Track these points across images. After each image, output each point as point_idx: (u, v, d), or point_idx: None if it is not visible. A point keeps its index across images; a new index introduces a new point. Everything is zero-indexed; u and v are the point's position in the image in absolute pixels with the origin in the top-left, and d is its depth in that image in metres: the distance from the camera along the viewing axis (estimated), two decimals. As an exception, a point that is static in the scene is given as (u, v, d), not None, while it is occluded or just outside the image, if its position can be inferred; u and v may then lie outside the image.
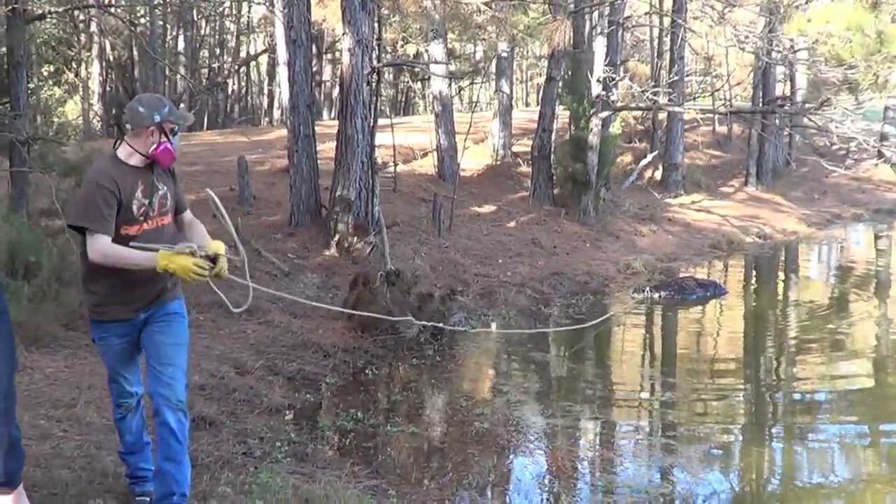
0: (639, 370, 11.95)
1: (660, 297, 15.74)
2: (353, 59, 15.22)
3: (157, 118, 5.34)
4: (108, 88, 37.30)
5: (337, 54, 38.94)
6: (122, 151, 5.43)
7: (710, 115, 35.40)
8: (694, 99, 33.50)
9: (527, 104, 50.32)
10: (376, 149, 16.52)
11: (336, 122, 16.89)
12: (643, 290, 16.12)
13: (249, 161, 18.50)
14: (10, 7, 11.53)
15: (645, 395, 10.88)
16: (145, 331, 5.59)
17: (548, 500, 7.44)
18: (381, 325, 12.08)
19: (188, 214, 5.87)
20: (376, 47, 16.49)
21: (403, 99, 48.32)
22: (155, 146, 5.37)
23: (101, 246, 5.19)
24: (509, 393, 10.31)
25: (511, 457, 8.52)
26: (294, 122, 16.54)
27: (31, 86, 15.79)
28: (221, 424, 8.25)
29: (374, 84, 15.95)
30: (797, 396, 10.89)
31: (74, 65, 36.97)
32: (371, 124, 15.70)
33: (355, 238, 15.22)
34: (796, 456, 8.91)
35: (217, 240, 5.63)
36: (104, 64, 36.57)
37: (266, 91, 45.48)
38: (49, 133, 14.40)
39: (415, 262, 15.45)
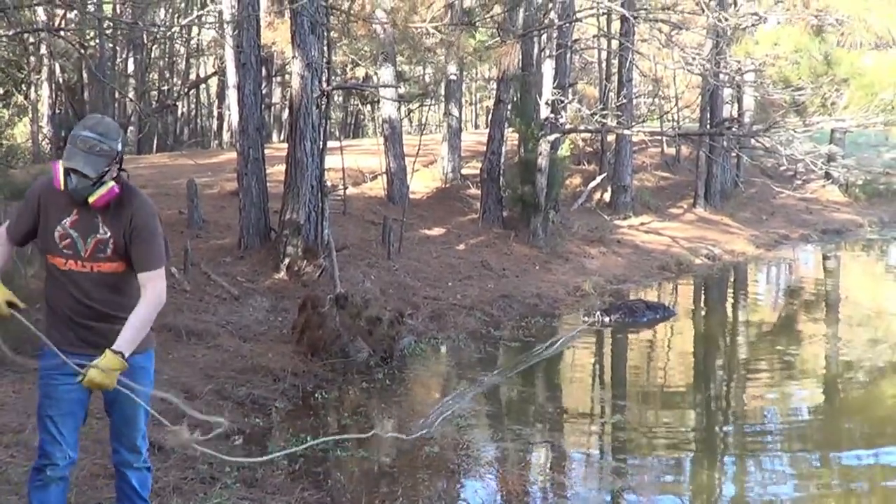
0: (589, 393, 12.01)
1: (610, 320, 15.78)
2: (302, 83, 15.24)
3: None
4: (57, 111, 37.02)
5: (287, 77, 38.70)
6: None
7: (659, 137, 35.61)
8: (643, 121, 33.63)
9: (476, 126, 50.49)
10: (326, 172, 16.51)
11: (286, 145, 16.89)
12: (593, 314, 16.15)
13: (199, 184, 18.44)
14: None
15: (595, 418, 10.94)
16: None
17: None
18: (330, 349, 12.08)
19: (143, 278, 4.99)
20: (326, 70, 16.52)
21: (353, 122, 48.31)
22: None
23: None
24: (459, 416, 10.31)
25: (462, 481, 8.53)
26: (243, 144, 16.50)
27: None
28: (170, 450, 8.19)
29: (323, 107, 15.96)
30: (747, 419, 11.00)
31: (24, 87, 36.73)
32: (320, 147, 15.70)
33: (305, 261, 15.20)
34: (746, 480, 8.97)
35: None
36: (54, 86, 36.32)
37: (216, 114, 45.30)
38: (-3, 156, 14.33)
39: (364, 285, 15.42)
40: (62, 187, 4.73)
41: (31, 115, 35.72)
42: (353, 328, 12.39)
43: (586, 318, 16.00)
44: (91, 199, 4.75)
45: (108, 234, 4.90)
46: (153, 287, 4.96)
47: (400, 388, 11.69)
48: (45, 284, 5.08)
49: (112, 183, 4.78)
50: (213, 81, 44.40)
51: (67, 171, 4.69)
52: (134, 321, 4.86)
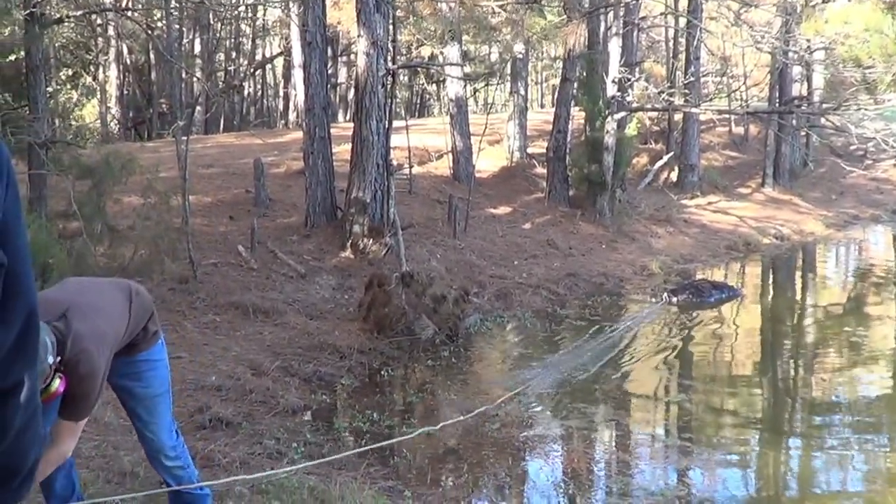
0: (656, 373, 11.88)
1: (677, 300, 15.63)
2: (368, 61, 15.25)
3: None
4: (125, 91, 37.36)
5: (352, 57, 38.92)
6: None
7: (727, 116, 35.25)
8: (710, 100, 33.33)
9: (542, 105, 50.26)
10: (392, 150, 16.52)
11: (351, 125, 16.91)
12: (660, 294, 16.01)
13: (265, 163, 18.52)
14: (27, 11, 11.56)
15: (661, 397, 10.86)
16: (119, 379, 5.00)
17: (563, 502, 7.44)
18: (396, 326, 12.11)
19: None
20: (391, 49, 16.51)
21: (419, 101, 48.30)
22: None
23: None
24: (525, 394, 10.29)
25: (526, 459, 8.52)
26: (310, 124, 16.55)
27: (50, 89, 15.85)
28: (238, 425, 8.28)
29: (389, 86, 15.96)
30: (815, 401, 10.84)
31: (92, 68, 37.11)
32: (386, 126, 15.71)
33: (370, 240, 15.23)
34: (814, 460, 8.88)
35: None
36: (121, 67, 36.65)
37: (282, 94, 45.49)
38: (67, 136, 14.46)
39: (430, 263, 15.43)
40: None
41: (99, 96, 36.06)
42: (418, 306, 12.41)
43: (653, 299, 15.87)
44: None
45: None
46: (64, 441, 4.58)
47: (465, 365, 11.70)
48: None
49: (57, 384, 4.28)
50: (279, 62, 44.60)
51: None
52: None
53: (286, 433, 8.35)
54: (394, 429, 8.90)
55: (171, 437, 5.17)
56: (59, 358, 4.27)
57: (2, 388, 1.93)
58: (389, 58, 16.15)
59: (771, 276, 21.01)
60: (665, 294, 15.94)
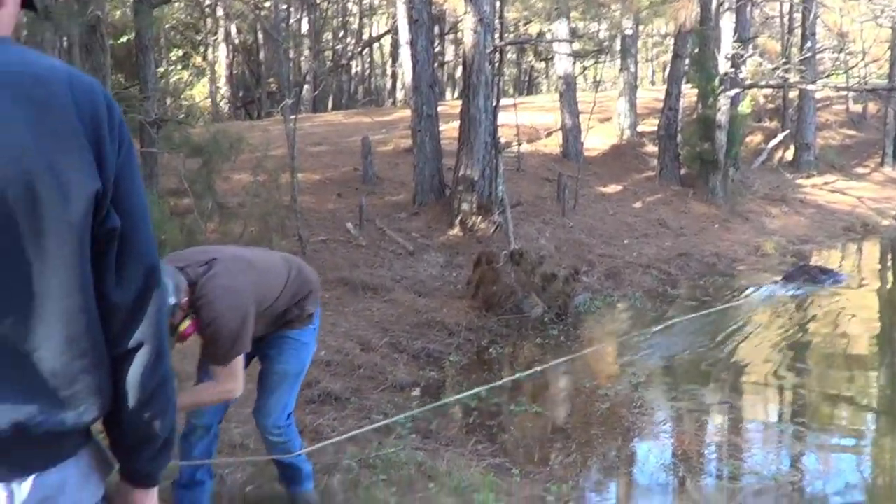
0: (768, 355, 11.61)
1: (789, 284, 15.30)
2: (475, 38, 15.19)
3: None
4: (234, 71, 37.80)
5: (459, 34, 38.91)
6: None
7: (844, 94, 34.55)
8: (827, 76, 32.68)
9: (652, 83, 49.77)
10: (500, 128, 16.45)
11: (459, 102, 16.89)
12: (773, 278, 15.70)
13: (373, 141, 18.60)
14: (138, -8, 11.74)
15: (775, 381, 10.61)
16: (263, 348, 5.18)
17: (672, 484, 7.32)
18: (504, 304, 12.07)
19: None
20: (498, 26, 16.44)
21: (527, 79, 48.15)
22: None
23: None
24: (634, 374, 10.18)
25: (635, 439, 8.41)
26: (417, 102, 16.56)
27: (161, 69, 16.09)
28: (346, 400, 8.30)
29: (496, 63, 15.90)
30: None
31: (202, 49, 37.60)
32: (494, 103, 15.65)
33: (479, 217, 15.21)
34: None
35: None
36: (230, 47, 37.07)
37: (389, 72, 45.65)
38: (178, 115, 14.66)
39: (539, 241, 15.37)
40: None
41: (209, 76, 36.54)
42: (527, 284, 12.36)
43: (766, 282, 15.54)
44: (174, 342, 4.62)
45: None
46: (222, 383, 4.75)
47: (574, 344, 11.60)
48: None
49: (186, 323, 4.52)
50: (387, 40, 44.70)
51: None
52: (194, 394, 4.88)
53: (394, 408, 8.35)
54: (501, 406, 8.86)
55: (282, 417, 5.24)
56: (185, 299, 4.43)
57: (124, 349, 1.92)
58: (496, 35, 16.09)
59: (890, 259, 20.53)
60: (777, 278, 15.61)
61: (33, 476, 1.80)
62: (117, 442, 2.05)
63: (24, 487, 1.78)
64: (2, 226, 1.73)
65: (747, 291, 15.03)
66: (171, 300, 4.32)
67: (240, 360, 4.67)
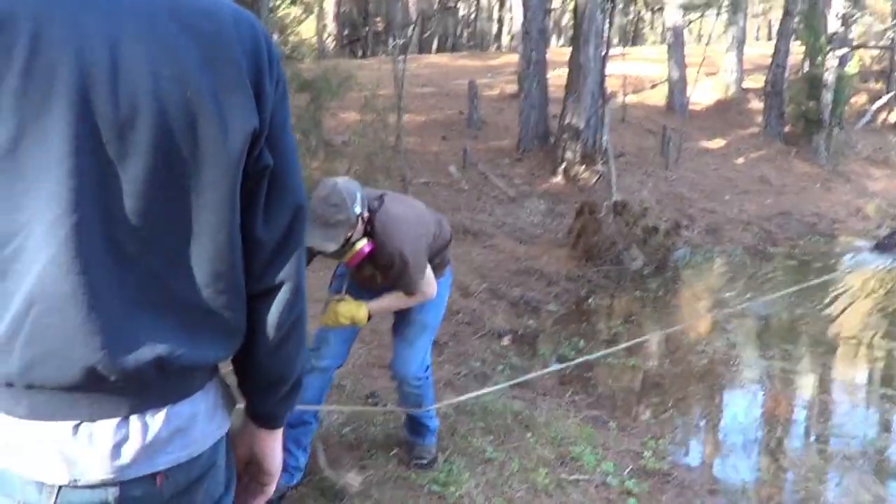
0: (864, 320, 11.48)
1: (883, 252, 14.78)
2: (589, -14, 15.09)
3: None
4: (342, 9, 37.86)
5: (568, -18, 38.64)
6: None
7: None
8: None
9: (756, 38, 48.99)
10: (606, 78, 16.33)
11: (565, 50, 16.80)
12: (870, 242, 15.34)
13: (479, 85, 18.55)
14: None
15: (868, 344, 10.50)
16: None
17: (766, 444, 7.28)
18: (605, 255, 12.04)
19: None
20: (612, -25, 16.30)
21: (633, 29, 47.70)
22: None
23: None
24: (731, 331, 10.12)
25: (730, 397, 8.39)
26: (526, 47, 16.49)
27: (271, 4, 16.13)
28: (444, 345, 8.34)
29: (608, 12, 15.75)
30: None
31: (311, -15, 37.68)
32: (603, 53, 15.53)
33: (582, 167, 15.15)
34: None
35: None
36: (340, -15, 37.16)
37: (496, 17, 45.45)
38: (286, 50, 14.71)
39: (641, 194, 15.30)
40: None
41: (316, 13, 36.63)
42: (628, 236, 12.31)
43: (862, 246, 15.19)
44: (345, 261, 4.77)
45: (374, 271, 4.91)
46: (420, 292, 4.92)
47: (672, 298, 11.56)
48: None
49: (363, 242, 4.62)
50: (495, -16, 44.48)
51: None
52: (393, 299, 4.94)
53: (491, 355, 8.39)
54: (599, 358, 8.84)
55: (421, 368, 5.32)
56: (366, 213, 4.55)
57: (267, 286, 1.96)
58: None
59: None
60: (875, 243, 15.31)
61: (166, 408, 1.83)
62: (247, 381, 2.07)
63: (157, 419, 1.81)
64: (161, 154, 1.73)
65: (844, 259, 14.76)
66: (357, 209, 4.44)
67: (426, 273, 4.86)
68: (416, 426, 5.59)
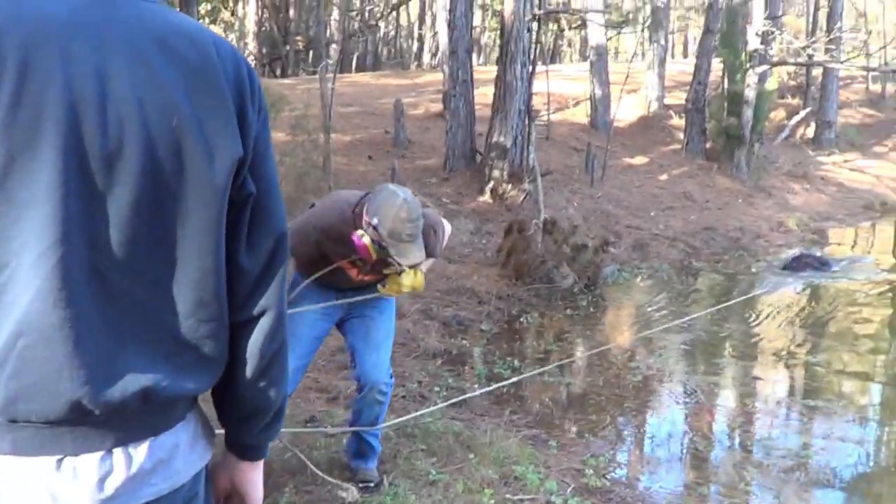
0: (786, 335, 11.65)
1: (793, 273, 14.63)
2: (515, 6, 15.15)
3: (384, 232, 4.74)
4: (262, 28, 37.77)
5: (487, 1, 38.85)
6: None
7: (863, 73, 34.51)
8: (855, 56, 32.57)
9: (673, 56, 49.58)
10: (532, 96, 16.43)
11: (487, 68, 16.91)
12: (779, 266, 15.04)
13: (404, 104, 18.58)
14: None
15: (792, 359, 10.67)
16: (367, 309, 5.45)
17: (698, 457, 7.36)
18: (535, 273, 12.09)
19: None
20: (537, -6, 16.43)
21: (552, 47, 48.03)
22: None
23: None
24: (661, 347, 10.23)
25: (664, 412, 8.49)
26: (452, 66, 16.56)
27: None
28: (384, 368, 8.32)
29: (534, 31, 15.86)
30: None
31: (231, 3, 37.55)
32: (530, 71, 15.63)
33: (510, 185, 15.21)
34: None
35: None
36: (259, 3, 37.03)
37: (416, 35, 45.59)
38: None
39: (567, 211, 15.40)
40: (373, 256, 4.80)
41: (237, 32, 36.54)
42: (557, 254, 12.38)
43: (771, 275, 14.75)
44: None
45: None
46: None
47: (603, 315, 11.66)
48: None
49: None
50: (415, 3, 44.61)
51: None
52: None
53: (428, 377, 8.39)
54: (534, 376, 8.88)
55: (389, 373, 5.49)
56: None
57: (249, 315, 1.95)
58: (535, 2, 16.06)
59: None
60: (784, 265, 15.08)
61: (149, 440, 1.82)
62: (228, 412, 2.05)
63: (140, 451, 1.80)
64: (147, 183, 1.73)
65: (761, 278, 14.87)
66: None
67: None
68: (363, 447, 5.60)
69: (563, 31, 41.49)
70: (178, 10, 1.90)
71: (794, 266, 14.80)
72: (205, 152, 1.77)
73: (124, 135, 1.71)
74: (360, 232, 4.75)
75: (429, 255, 5.09)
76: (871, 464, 7.54)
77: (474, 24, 38.48)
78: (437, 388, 8.03)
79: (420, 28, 44.58)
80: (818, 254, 15.76)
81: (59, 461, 1.72)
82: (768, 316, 12.22)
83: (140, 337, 1.79)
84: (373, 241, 4.72)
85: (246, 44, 36.37)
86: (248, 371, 1.96)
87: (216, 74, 1.82)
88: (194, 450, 1.93)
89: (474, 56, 37.80)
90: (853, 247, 18.34)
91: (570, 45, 48.51)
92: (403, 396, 7.64)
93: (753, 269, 15.10)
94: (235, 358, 1.96)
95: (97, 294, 1.73)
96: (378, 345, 5.37)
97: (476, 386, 8.35)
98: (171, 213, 1.77)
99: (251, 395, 2.00)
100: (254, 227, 1.92)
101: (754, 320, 11.98)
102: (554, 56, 46.73)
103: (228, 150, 1.80)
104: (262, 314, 1.94)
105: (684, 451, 7.48)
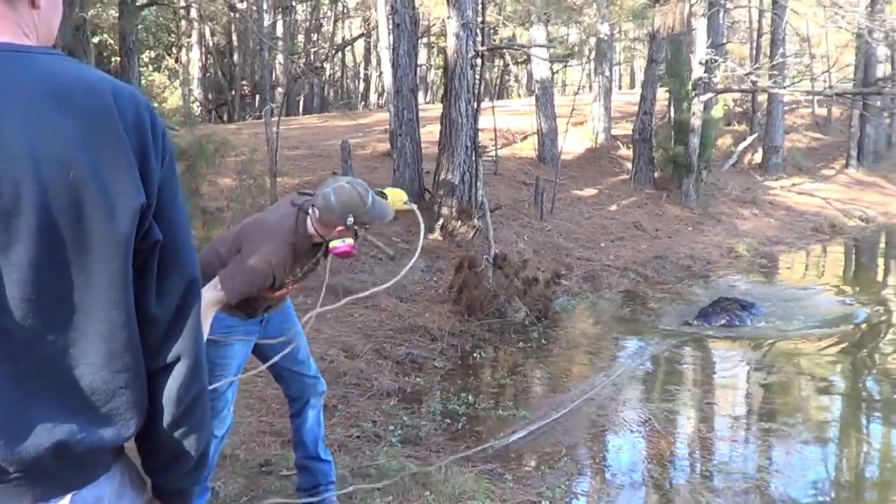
0: (740, 356, 11.72)
1: (711, 324, 13.08)
2: (458, 43, 15.23)
3: (350, 220, 4.84)
4: (207, 73, 37.72)
5: (432, 39, 39.03)
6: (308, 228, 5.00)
7: (808, 98, 34.91)
8: (799, 81, 32.96)
9: (619, 87, 49.99)
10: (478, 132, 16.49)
11: (433, 106, 16.97)
12: (692, 319, 13.27)
13: (351, 145, 18.58)
14: (122, -6, 11.71)
15: (745, 381, 10.75)
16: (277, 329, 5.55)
17: (656, 484, 7.37)
18: (487, 309, 12.12)
19: None
20: (480, 31, 16.49)
21: (498, 83, 48.29)
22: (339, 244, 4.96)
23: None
24: (615, 376, 10.26)
25: (619, 440, 8.49)
26: (398, 105, 16.60)
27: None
28: (334, 408, 8.31)
29: (478, 68, 15.94)
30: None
31: (174, 51, 37.50)
32: (475, 108, 15.69)
33: (459, 222, 15.23)
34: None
35: None
36: (203, 49, 37.01)
37: (362, 75, 45.69)
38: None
39: (518, 245, 15.45)
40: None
41: (181, 78, 36.47)
42: (509, 288, 12.42)
43: (689, 322, 13.18)
44: (346, 243, 5.02)
45: (319, 255, 5.26)
46: None
47: (556, 348, 11.67)
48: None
49: (348, 242, 5.00)
50: (360, 43, 44.72)
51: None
52: None
53: (382, 416, 8.37)
54: (489, 411, 8.89)
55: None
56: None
57: (164, 362, 1.94)
58: (478, 39, 16.14)
59: (854, 259, 20.71)
60: (699, 311, 13.53)
61: (70, 494, 1.81)
62: (150, 458, 2.05)
63: None
64: (46, 238, 1.72)
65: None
66: (350, 219, 4.80)
67: None
68: (323, 479, 5.66)
69: (507, 66, 41.80)
70: (88, 63, 1.89)
71: (710, 312, 13.30)
72: (105, 203, 1.76)
73: (20, 192, 1.70)
74: (336, 242, 4.88)
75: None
76: (829, 483, 7.60)
77: (420, 63, 38.67)
78: (391, 427, 8.00)
79: (366, 68, 44.71)
80: (741, 296, 14.39)
81: None
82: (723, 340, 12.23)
83: (50, 391, 1.77)
84: (356, 235, 4.92)
85: (191, 90, 36.31)
86: (167, 418, 1.96)
87: (114, 124, 1.80)
88: (121, 502, 1.92)
89: (421, 94, 38.06)
90: (805, 273, 18.44)
91: (517, 80, 48.85)
92: (358, 437, 7.63)
93: (659, 321, 13.58)
94: (153, 406, 1.96)
95: (1, 352, 1.72)
96: (306, 355, 5.62)
97: (429, 425, 8.35)
98: (74, 266, 1.76)
99: (171, 441, 1.99)
100: (163, 274, 1.91)
101: (707, 344, 12.03)
102: (501, 91, 47.06)
103: (130, 198, 1.80)
104: (176, 361, 1.94)
105: (641, 478, 7.49)
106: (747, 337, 12.18)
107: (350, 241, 4.91)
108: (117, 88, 1.86)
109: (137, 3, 12.67)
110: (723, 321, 12.98)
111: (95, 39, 22.39)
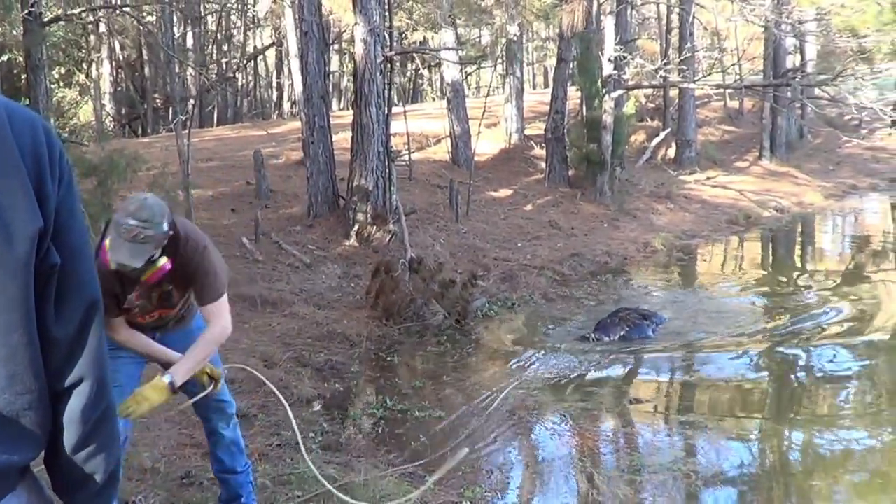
0: (660, 349, 11.82)
1: (610, 339, 12.25)
2: (365, 49, 15.25)
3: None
4: (119, 88, 37.37)
5: (343, 45, 38.95)
6: None
7: (721, 91, 35.30)
8: (708, 75, 33.32)
9: (533, 87, 50.20)
10: (390, 137, 16.51)
11: (347, 113, 16.93)
12: (590, 333, 12.34)
13: (264, 154, 18.54)
14: (26, 11, 11.57)
15: (664, 377, 10.86)
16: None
17: (576, 480, 7.45)
18: (404, 313, 12.15)
19: (205, 312, 5.02)
20: (387, 36, 16.51)
21: (412, 87, 48.30)
22: None
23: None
24: (530, 376, 10.32)
25: (538, 439, 8.57)
26: (308, 113, 16.57)
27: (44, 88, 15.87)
28: (254, 417, 8.30)
29: (387, 73, 15.96)
30: (820, 379, 10.67)
31: (84, 66, 37.07)
32: (385, 113, 15.71)
33: (374, 227, 15.24)
34: (818, 437, 8.82)
35: None
36: (114, 64, 36.66)
37: (275, 84, 45.52)
38: (63, 134, 14.44)
39: (434, 248, 15.49)
40: (111, 267, 4.40)
41: (92, 94, 36.05)
42: (426, 292, 12.45)
43: (588, 336, 12.30)
44: (143, 279, 4.63)
45: (171, 287, 4.85)
46: (216, 322, 4.88)
47: (474, 349, 11.72)
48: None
49: (164, 261, 4.55)
50: (271, 53, 44.53)
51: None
52: (195, 354, 4.85)
53: (302, 423, 8.36)
54: (406, 412, 8.93)
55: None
56: (171, 232, 4.50)
57: (67, 383, 1.94)
58: (386, 44, 16.16)
59: (771, 250, 21.04)
60: (597, 324, 12.61)
61: None
62: (59, 479, 2.04)
63: None
64: None
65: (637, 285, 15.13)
66: (165, 226, 4.40)
67: (225, 296, 4.85)
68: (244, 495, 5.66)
69: (419, 70, 41.82)
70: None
71: (608, 324, 12.50)
72: (2, 230, 1.76)
73: None
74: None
75: (187, 274, 4.77)
76: (756, 464, 7.74)
77: (332, 70, 38.58)
78: (311, 434, 8.01)
79: (278, 77, 44.52)
80: (644, 306, 13.71)
81: None
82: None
83: None
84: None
85: (103, 105, 35.92)
86: (73, 439, 1.96)
87: (9, 147, 1.80)
88: None
89: (335, 101, 37.99)
90: (722, 265, 18.67)
91: (430, 83, 48.88)
92: (279, 445, 7.61)
93: (548, 338, 12.75)
94: (58, 427, 1.95)
95: None
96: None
97: (350, 430, 8.36)
98: None
99: (78, 462, 1.99)
100: (63, 296, 1.91)
101: (627, 361, 12.11)
102: (415, 95, 47.07)
103: (27, 223, 1.79)
104: (79, 381, 1.93)
105: (560, 474, 7.56)
106: (648, 350, 12.05)
107: (163, 262, 4.58)
108: (14, 112, 1.85)
109: (43, 20, 12.51)
110: (621, 333, 12.31)
111: (4, 58, 22.17)
